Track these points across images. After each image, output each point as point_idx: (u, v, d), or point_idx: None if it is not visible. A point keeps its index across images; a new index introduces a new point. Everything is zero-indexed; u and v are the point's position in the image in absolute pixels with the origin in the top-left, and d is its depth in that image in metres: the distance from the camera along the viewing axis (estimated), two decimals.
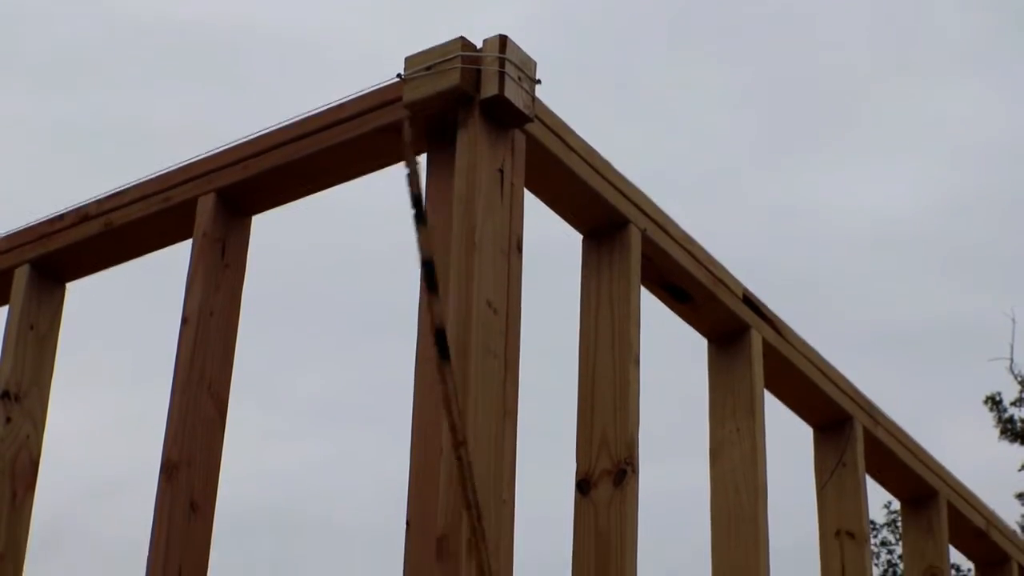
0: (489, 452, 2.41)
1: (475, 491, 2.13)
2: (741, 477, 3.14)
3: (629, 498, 2.74)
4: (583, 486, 2.77)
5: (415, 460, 2.45)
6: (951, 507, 4.00)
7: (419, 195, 2.18)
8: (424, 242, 2.19)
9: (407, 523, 2.37)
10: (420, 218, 2.19)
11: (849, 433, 3.61)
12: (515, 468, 2.49)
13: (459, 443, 2.15)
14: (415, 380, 2.45)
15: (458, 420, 2.16)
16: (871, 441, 3.69)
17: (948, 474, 4.02)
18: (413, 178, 2.17)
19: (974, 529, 4.14)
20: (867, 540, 3.54)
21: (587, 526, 2.75)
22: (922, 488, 3.93)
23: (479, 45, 2.57)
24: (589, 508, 2.75)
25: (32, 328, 2.80)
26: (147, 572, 2.33)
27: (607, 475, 2.76)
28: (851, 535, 3.53)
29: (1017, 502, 22.57)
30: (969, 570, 18.68)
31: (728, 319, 3.26)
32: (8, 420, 2.46)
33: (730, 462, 3.17)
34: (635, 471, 2.76)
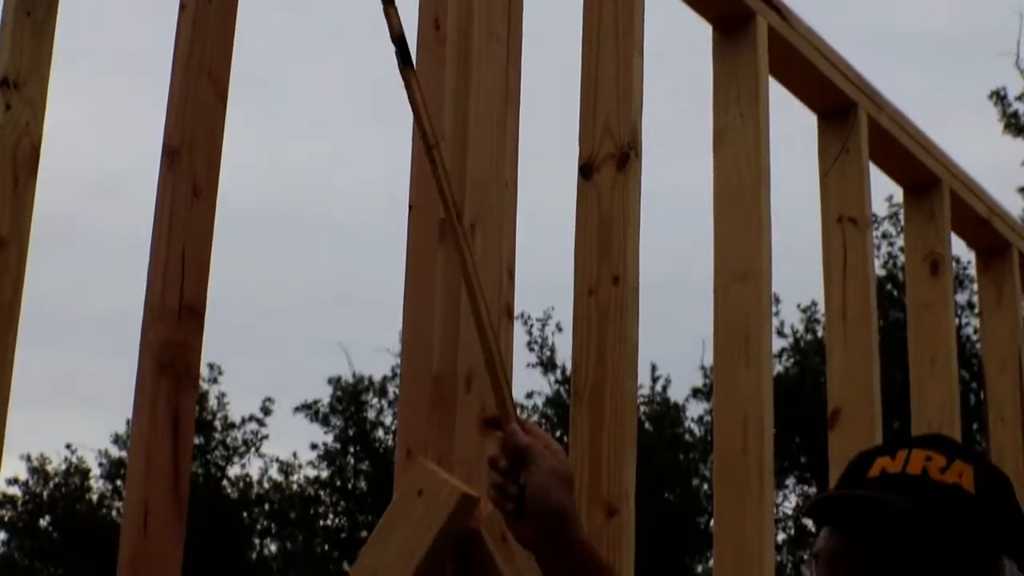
0: (491, 134, 2.41)
1: (452, 193, 2.12)
2: (744, 162, 3.14)
3: (632, 182, 2.74)
4: (586, 170, 2.77)
5: (417, 147, 2.45)
6: (953, 195, 4.00)
7: None
8: None
9: (409, 207, 2.38)
10: None
11: (853, 120, 3.58)
12: (517, 151, 2.48)
13: (431, 146, 2.12)
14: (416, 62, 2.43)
15: (428, 125, 2.13)
16: (875, 128, 3.67)
17: (951, 162, 4.01)
18: None
19: (976, 217, 4.15)
20: (869, 226, 3.55)
21: (590, 210, 2.75)
22: (925, 175, 3.92)
23: None
24: (592, 192, 2.75)
25: (28, 15, 2.75)
26: (151, 259, 2.34)
27: (610, 159, 2.75)
28: (853, 221, 3.54)
29: (1019, 196, 22.67)
30: (969, 262, 18.85)
31: (733, 5, 3.22)
32: (8, 107, 2.44)
33: (733, 148, 3.16)
34: (638, 155, 2.75)
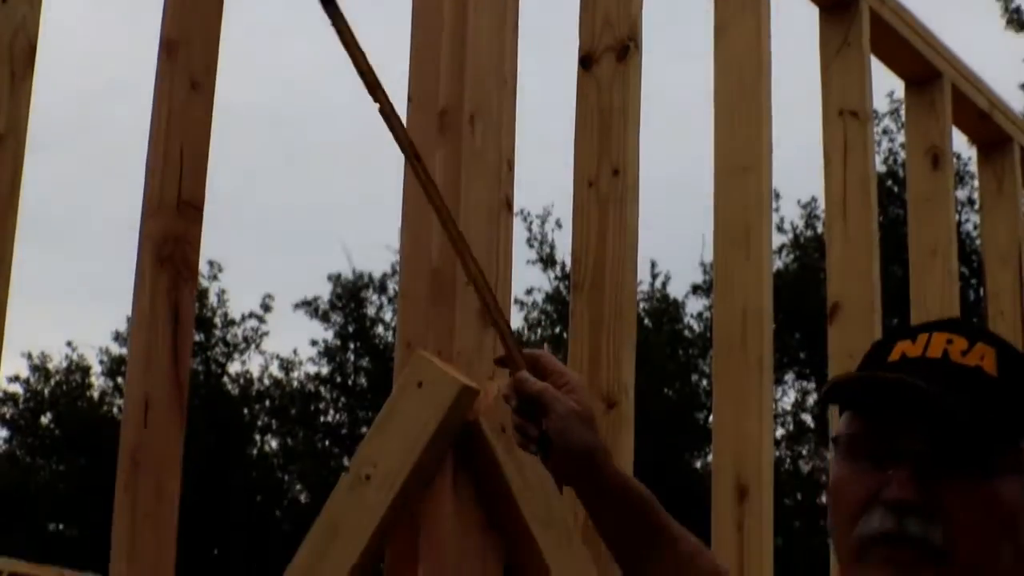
0: (491, 25, 2.39)
1: (408, 139, 2.05)
2: (745, 54, 3.11)
3: (632, 73, 2.72)
4: (586, 62, 2.75)
5: (415, 39, 2.44)
6: (955, 88, 3.97)
7: None
8: None
9: (408, 99, 2.37)
10: None
11: (855, 12, 3.55)
12: (517, 42, 2.47)
13: (374, 87, 2.05)
14: None
15: (366, 65, 2.05)
16: (877, 21, 3.64)
17: (953, 55, 3.99)
18: None
19: (977, 111, 4.13)
20: (870, 119, 3.53)
21: (589, 102, 2.74)
22: (926, 68, 3.90)
23: None
24: (592, 84, 2.74)
25: None
26: (148, 153, 2.32)
27: (610, 51, 2.74)
28: (854, 114, 3.52)
29: (1020, 93, 22.57)
30: (969, 158, 18.80)
31: None
32: (3, 1, 2.42)
33: (734, 40, 3.14)
34: (638, 47, 2.74)
